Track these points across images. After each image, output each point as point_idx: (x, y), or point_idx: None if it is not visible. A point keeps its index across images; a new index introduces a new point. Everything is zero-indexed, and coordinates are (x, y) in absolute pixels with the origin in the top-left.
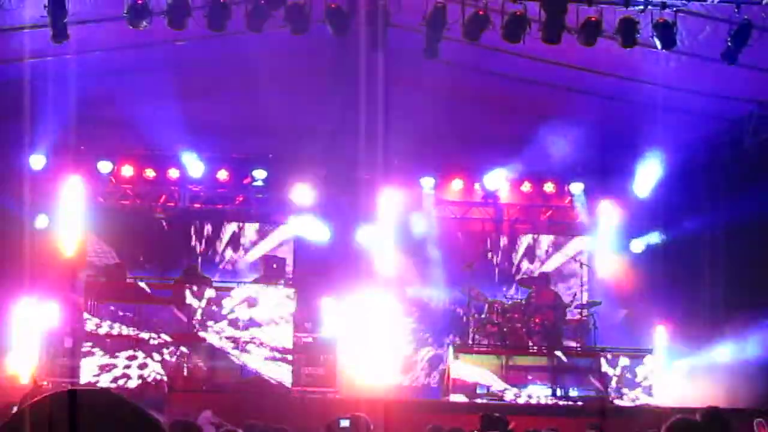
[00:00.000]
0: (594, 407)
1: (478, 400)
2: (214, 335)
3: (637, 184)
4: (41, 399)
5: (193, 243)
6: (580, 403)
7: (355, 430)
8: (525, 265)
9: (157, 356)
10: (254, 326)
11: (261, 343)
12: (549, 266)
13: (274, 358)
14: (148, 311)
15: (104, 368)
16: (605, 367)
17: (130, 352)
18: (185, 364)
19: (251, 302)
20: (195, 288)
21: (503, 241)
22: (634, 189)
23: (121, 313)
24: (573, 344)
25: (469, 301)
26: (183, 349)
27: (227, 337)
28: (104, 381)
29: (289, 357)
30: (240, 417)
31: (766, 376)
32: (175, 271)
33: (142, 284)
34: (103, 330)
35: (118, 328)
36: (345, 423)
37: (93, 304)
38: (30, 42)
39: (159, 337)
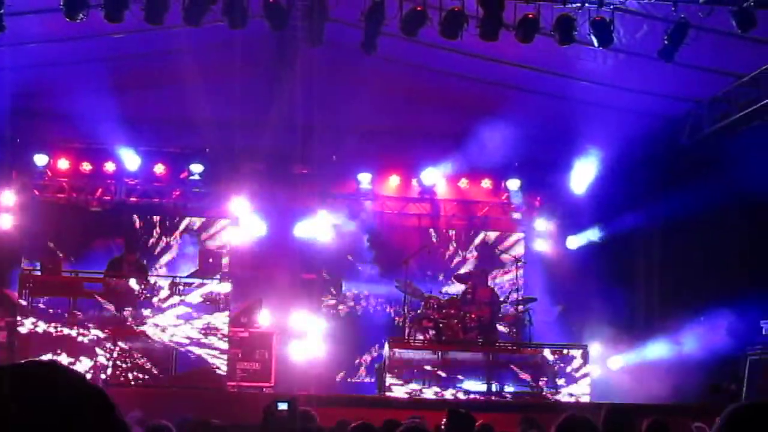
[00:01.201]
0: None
1: (414, 395)
2: (149, 329)
3: (573, 181)
4: None
5: (129, 237)
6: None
7: (293, 413)
8: (461, 261)
9: (90, 351)
10: (189, 320)
11: (196, 338)
12: (485, 262)
13: (209, 353)
14: (84, 305)
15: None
16: (540, 363)
17: (65, 346)
18: (119, 359)
19: (186, 296)
20: (132, 281)
21: (440, 236)
22: (570, 186)
23: (56, 307)
24: (508, 340)
25: (405, 297)
26: (118, 343)
27: (162, 332)
28: None
29: (224, 351)
30: (172, 412)
31: (700, 373)
32: (117, 268)
33: (78, 278)
34: (39, 324)
35: (52, 322)
36: (283, 406)
37: (28, 297)
38: None
39: (93, 331)
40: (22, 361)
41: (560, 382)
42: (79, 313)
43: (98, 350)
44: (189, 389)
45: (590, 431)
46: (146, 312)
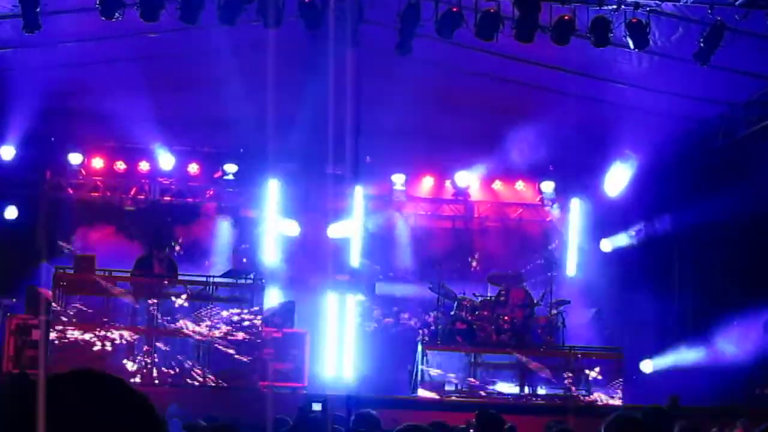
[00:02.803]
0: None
1: (447, 397)
2: (184, 329)
3: (607, 184)
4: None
5: (159, 234)
6: (542, 401)
7: (326, 413)
8: (495, 262)
9: (125, 349)
10: (224, 320)
11: (229, 338)
12: (519, 264)
13: (242, 353)
14: (117, 304)
15: (71, 359)
16: (573, 366)
17: (98, 345)
18: (153, 359)
19: (221, 296)
20: (165, 281)
21: (474, 238)
22: (605, 188)
23: (89, 306)
24: (541, 342)
25: (438, 299)
26: (153, 343)
27: (196, 332)
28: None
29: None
30: (206, 412)
31: (734, 376)
32: (146, 265)
33: (111, 276)
34: (72, 321)
35: (86, 321)
36: (317, 406)
37: (62, 296)
38: (1, 32)
39: (127, 330)
40: (68, 370)
41: (592, 385)
42: (110, 311)
43: (132, 350)
44: (223, 389)
45: (639, 430)
46: (180, 312)
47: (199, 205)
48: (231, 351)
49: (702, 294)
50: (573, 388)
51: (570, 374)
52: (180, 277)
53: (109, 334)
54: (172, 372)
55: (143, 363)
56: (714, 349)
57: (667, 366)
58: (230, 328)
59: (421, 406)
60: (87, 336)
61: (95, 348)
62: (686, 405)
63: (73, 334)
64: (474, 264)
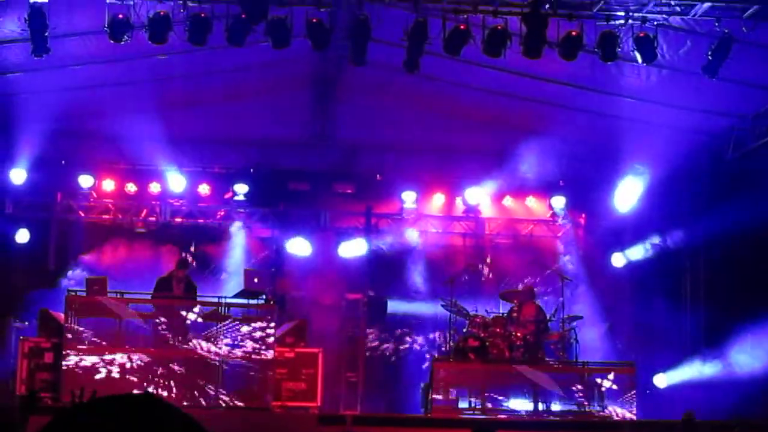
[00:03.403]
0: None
1: (461, 415)
2: (197, 350)
3: (618, 198)
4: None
5: (179, 253)
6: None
7: None
8: (507, 279)
9: (133, 370)
10: (235, 339)
11: (243, 357)
12: (531, 280)
13: (255, 373)
14: (130, 326)
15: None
16: (586, 381)
17: (111, 367)
18: (167, 379)
19: (233, 316)
20: (177, 302)
21: (485, 254)
22: (615, 203)
23: (102, 328)
24: (555, 358)
25: (451, 316)
26: (168, 364)
27: (209, 351)
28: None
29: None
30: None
31: (749, 389)
32: (166, 286)
33: (123, 299)
34: (84, 345)
35: (99, 343)
36: None
37: (74, 318)
38: (10, 56)
39: (139, 352)
40: (124, 394)
41: (606, 400)
42: (123, 333)
43: (147, 372)
44: (236, 410)
45: None
46: (193, 333)
47: (212, 226)
48: (245, 370)
49: (715, 307)
50: (587, 404)
51: (583, 389)
52: (196, 297)
53: (120, 356)
54: (187, 393)
55: (157, 384)
56: (728, 362)
57: (681, 380)
58: (243, 348)
59: (434, 424)
60: (99, 358)
61: (107, 370)
62: (702, 419)
63: (86, 357)
64: (486, 281)
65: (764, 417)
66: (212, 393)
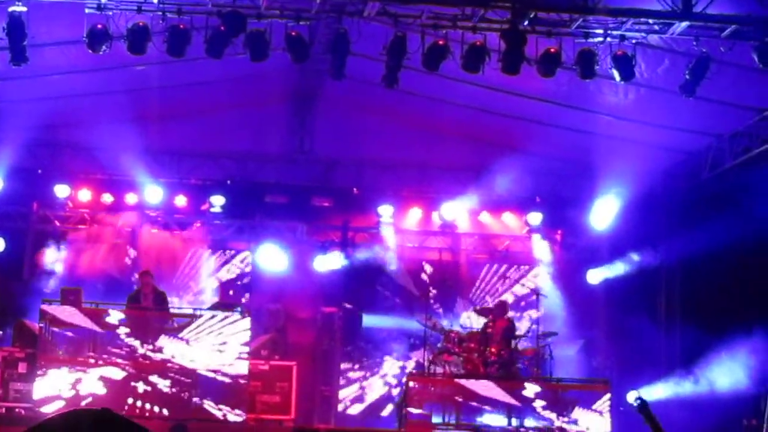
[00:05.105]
0: None
1: (434, 430)
2: (169, 361)
3: (595, 215)
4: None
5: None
6: None
7: None
8: (482, 294)
9: (109, 382)
10: (209, 352)
11: (217, 371)
12: (506, 296)
13: (230, 385)
14: (104, 337)
15: (58, 393)
16: (560, 398)
17: (84, 378)
18: (142, 392)
19: (206, 328)
20: (151, 315)
21: (461, 270)
22: (592, 220)
23: (76, 339)
24: (529, 374)
25: (426, 330)
26: (142, 376)
27: (181, 365)
28: (57, 406)
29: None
30: None
31: (721, 409)
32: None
33: (99, 309)
34: (59, 355)
35: (72, 354)
36: None
37: (48, 329)
38: None
39: (112, 363)
40: (92, 409)
41: (580, 417)
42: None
43: (121, 384)
44: (210, 422)
45: None
46: (167, 343)
47: (186, 237)
48: (218, 383)
49: (690, 326)
50: (560, 420)
51: (557, 406)
52: (169, 308)
53: (96, 367)
54: (161, 406)
55: (133, 395)
56: (702, 380)
57: (655, 397)
58: (217, 359)
59: None
60: (73, 370)
61: (81, 382)
62: None
63: (60, 368)
64: (461, 296)
65: None
66: (187, 405)
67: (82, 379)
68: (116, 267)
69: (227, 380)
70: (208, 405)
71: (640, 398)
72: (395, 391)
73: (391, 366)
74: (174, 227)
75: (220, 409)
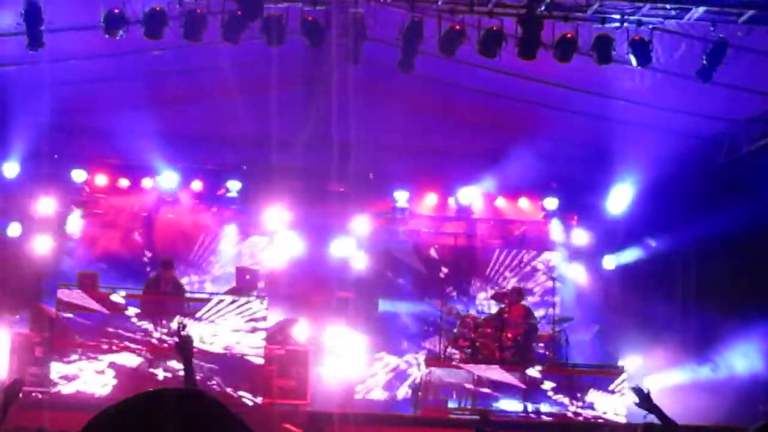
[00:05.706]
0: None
1: (450, 415)
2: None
3: (611, 201)
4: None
5: (166, 253)
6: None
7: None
8: (498, 279)
9: (126, 366)
10: (226, 337)
11: (233, 354)
12: (522, 281)
13: (246, 369)
14: (120, 322)
15: (74, 377)
16: (576, 383)
17: (100, 362)
18: (157, 377)
19: (223, 313)
20: (167, 300)
21: (476, 255)
22: (608, 205)
23: (92, 323)
24: (544, 359)
25: (441, 316)
26: (158, 360)
27: (199, 349)
28: (73, 390)
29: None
30: None
31: (738, 394)
32: (154, 287)
33: (114, 295)
34: (75, 339)
35: (89, 338)
36: None
37: (65, 313)
38: (4, 49)
39: (128, 348)
40: (177, 388)
41: (596, 402)
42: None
43: (133, 366)
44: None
45: None
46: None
47: (202, 222)
48: (235, 367)
49: (705, 311)
50: (576, 405)
51: (572, 391)
52: (187, 294)
53: (112, 353)
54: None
55: (151, 381)
56: (717, 365)
57: (670, 383)
58: (234, 344)
59: (422, 423)
60: (89, 354)
61: (97, 367)
62: (689, 423)
63: (76, 352)
64: (477, 281)
65: (754, 420)
66: (205, 389)
67: (99, 364)
68: (131, 252)
69: (244, 364)
70: (229, 389)
71: (636, 387)
72: (411, 377)
73: (406, 351)
74: (190, 212)
75: (237, 394)
